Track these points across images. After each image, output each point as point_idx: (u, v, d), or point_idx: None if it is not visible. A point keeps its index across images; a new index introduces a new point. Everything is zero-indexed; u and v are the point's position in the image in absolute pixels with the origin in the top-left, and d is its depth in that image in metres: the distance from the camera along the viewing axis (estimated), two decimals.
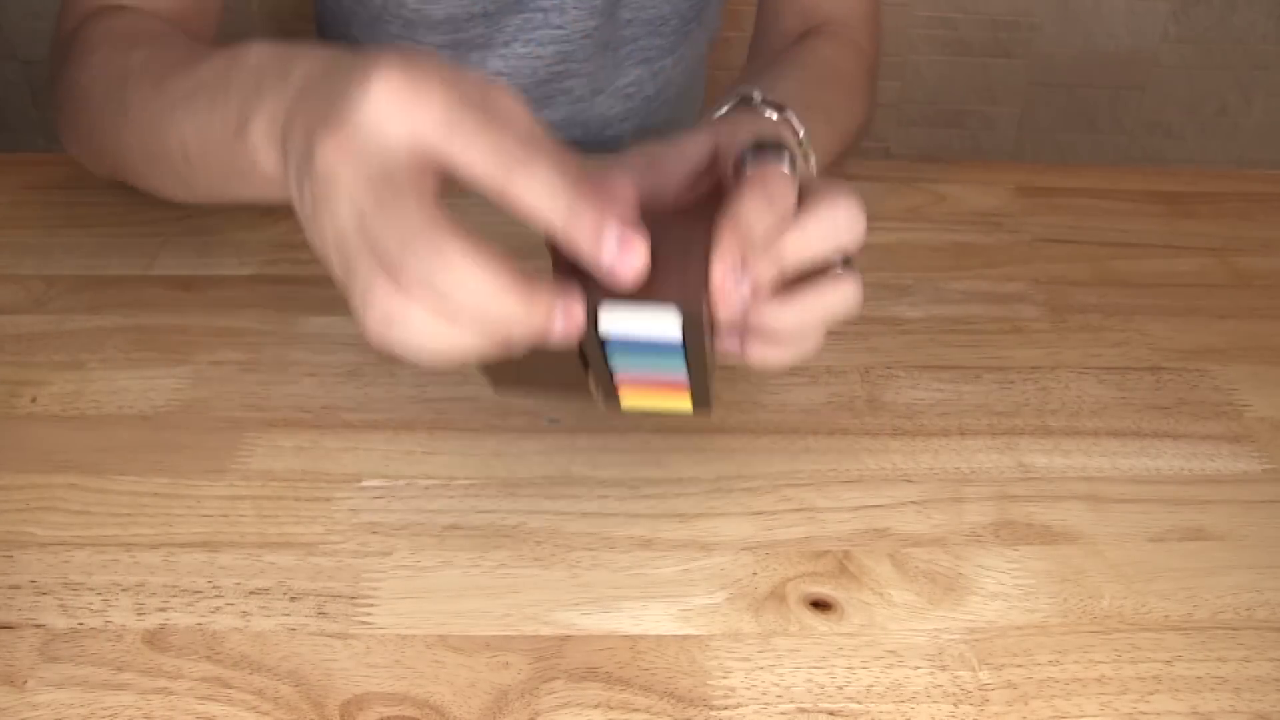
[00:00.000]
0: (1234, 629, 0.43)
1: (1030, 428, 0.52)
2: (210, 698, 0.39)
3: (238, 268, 0.60)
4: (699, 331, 0.36)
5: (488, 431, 0.50)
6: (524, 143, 0.34)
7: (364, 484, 0.48)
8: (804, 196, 0.40)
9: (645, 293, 0.35)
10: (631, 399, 0.41)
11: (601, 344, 0.37)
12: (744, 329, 0.41)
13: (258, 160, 0.41)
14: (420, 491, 0.47)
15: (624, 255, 0.34)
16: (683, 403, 0.41)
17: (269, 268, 0.60)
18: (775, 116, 0.48)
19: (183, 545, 0.44)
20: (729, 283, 0.36)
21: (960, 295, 0.61)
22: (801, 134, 0.48)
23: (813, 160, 0.48)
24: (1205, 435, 0.52)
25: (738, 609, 0.43)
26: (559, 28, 0.74)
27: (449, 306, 0.33)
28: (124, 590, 0.43)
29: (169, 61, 0.51)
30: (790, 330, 0.40)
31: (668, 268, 0.36)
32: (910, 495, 0.48)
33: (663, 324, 0.36)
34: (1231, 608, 0.44)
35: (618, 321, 0.36)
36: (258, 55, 0.43)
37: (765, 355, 0.41)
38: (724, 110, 0.49)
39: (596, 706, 0.39)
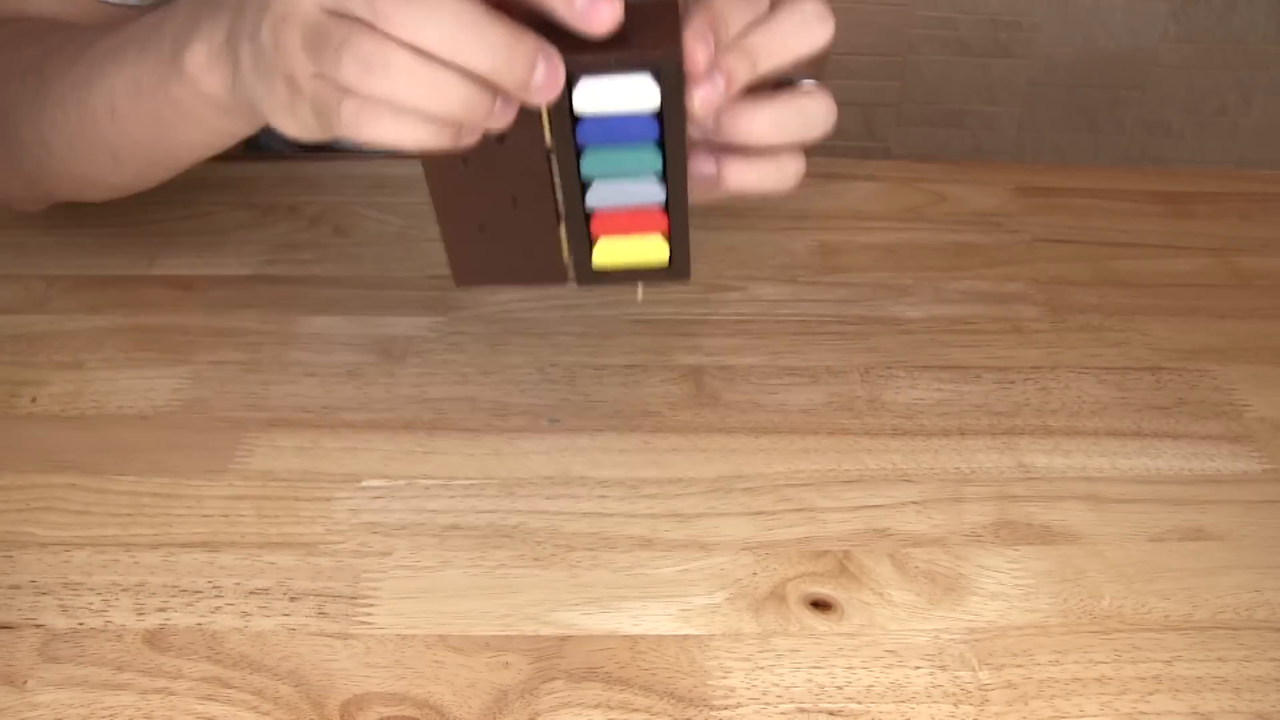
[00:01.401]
0: (1234, 629, 0.43)
1: (1030, 428, 0.52)
2: (210, 698, 0.39)
3: (238, 268, 0.60)
4: (677, 96, 0.36)
5: (488, 431, 0.50)
6: None
7: (364, 484, 0.48)
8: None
9: (619, 59, 0.35)
10: (606, 250, 0.40)
11: (576, 153, 0.37)
12: (719, 149, 0.40)
13: (200, 84, 0.41)
14: (420, 491, 0.47)
15: (598, 2, 0.33)
16: (659, 250, 0.40)
17: (269, 268, 0.60)
18: None
19: (183, 545, 0.44)
20: (701, 47, 0.36)
21: (960, 295, 0.61)
22: None
23: None
24: (1205, 435, 0.52)
25: (738, 609, 0.43)
26: None
27: (432, 40, 0.32)
28: (124, 590, 0.43)
29: (91, 34, 0.49)
30: (766, 139, 0.39)
31: (639, 40, 0.35)
32: (910, 495, 0.48)
33: (640, 89, 0.36)
34: (1231, 608, 0.44)
35: (593, 93, 0.36)
36: None
37: (742, 175, 0.40)
38: None
39: (596, 706, 0.39)
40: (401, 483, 0.48)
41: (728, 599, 0.43)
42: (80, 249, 0.61)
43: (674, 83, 0.36)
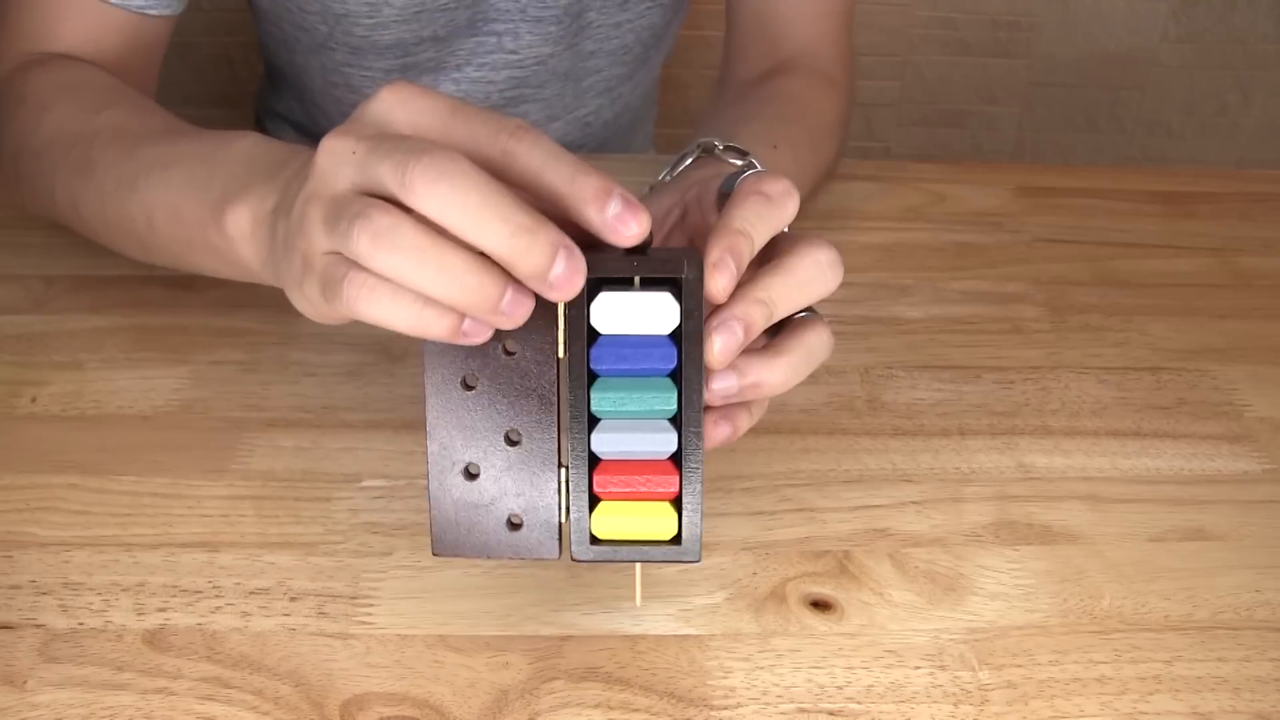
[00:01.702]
0: (1234, 629, 0.43)
1: (1030, 428, 0.52)
2: (210, 698, 0.39)
3: None
4: (697, 318, 0.35)
5: None
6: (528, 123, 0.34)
7: (364, 484, 0.48)
8: (783, 245, 0.39)
9: (641, 264, 0.35)
10: (608, 518, 0.37)
11: (588, 381, 0.36)
12: (736, 397, 0.38)
13: (236, 246, 0.41)
14: (420, 491, 0.47)
15: (627, 214, 0.33)
16: (666, 523, 0.37)
17: None
18: (739, 163, 0.48)
19: (183, 545, 0.44)
20: (718, 275, 0.35)
21: (960, 295, 0.61)
22: None
23: None
24: (1205, 435, 0.52)
25: (738, 609, 0.43)
26: (512, 53, 0.71)
27: (454, 216, 0.31)
28: (124, 590, 0.43)
29: (144, 128, 0.50)
30: (781, 390, 0.39)
31: (661, 258, 0.35)
32: (910, 495, 0.48)
33: (659, 308, 0.35)
34: (1231, 608, 0.44)
35: (611, 309, 0.35)
36: (252, 143, 0.44)
37: (749, 423, 0.40)
38: (688, 163, 0.49)
39: (596, 706, 0.39)
40: (401, 483, 0.48)
41: (728, 599, 0.43)
42: (80, 249, 0.61)
43: (695, 301, 0.35)
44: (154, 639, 0.41)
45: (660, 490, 0.36)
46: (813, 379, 0.54)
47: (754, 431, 0.51)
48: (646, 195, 0.49)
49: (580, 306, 0.35)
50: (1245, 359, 0.57)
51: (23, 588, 0.43)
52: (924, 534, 0.46)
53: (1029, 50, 1.50)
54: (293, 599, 0.42)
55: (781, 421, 0.52)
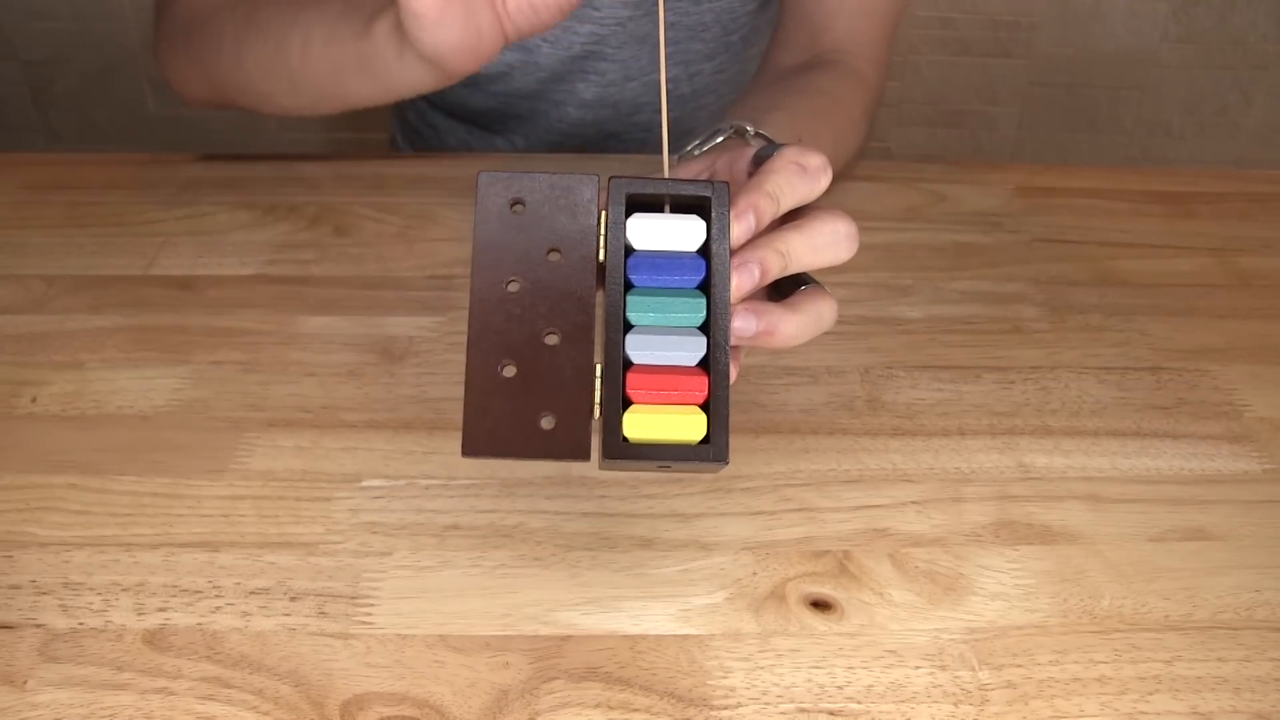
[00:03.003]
0: (1234, 629, 0.43)
1: (1030, 428, 0.52)
2: (210, 698, 0.39)
3: (238, 268, 0.60)
4: (722, 242, 0.38)
5: None
6: None
7: (364, 484, 0.48)
8: (806, 211, 0.41)
9: (674, 182, 0.38)
10: (639, 421, 0.37)
11: (624, 287, 0.38)
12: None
13: (380, 48, 0.49)
14: (420, 491, 0.47)
15: None
16: (695, 426, 0.37)
17: (269, 268, 0.61)
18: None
19: (183, 545, 0.44)
20: (738, 225, 0.38)
21: (960, 295, 0.61)
22: None
23: None
24: (1205, 435, 0.52)
25: (738, 609, 0.43)
26: (596, 10, 0.75)
27: None
28: (124, 590, 0.43)
29: None
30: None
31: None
32: (910, 495, 0.48)
33: (689, 230, 0.38)
34: (1231, 608, 0.44)
35: (646, 229, 0.38)
36: None
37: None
38: (719, 140, 0.51)
39: (596, 706, 0.39)
40: (401, 483, 0.48)
41: (728, 599, 0.43)
42: (80, 249, 0.61)
43: (721, 218, 0.38)
44: (154, 639, 0.41)
45: (690, 394, 0.37)
46: (813, 379, 0.54)
47: (754, 431, 0.51)
48: (675, 164, 0.50)
49: (619, 222, 0.38)
50: (1245, 359, 0.57)
51: (23, 588, 0.43)
52: (924, 534, 0.46)
53: (1029, 50, 1.50)
54: (293, 599, 0.42)
55: (781, 421, 0.52)
